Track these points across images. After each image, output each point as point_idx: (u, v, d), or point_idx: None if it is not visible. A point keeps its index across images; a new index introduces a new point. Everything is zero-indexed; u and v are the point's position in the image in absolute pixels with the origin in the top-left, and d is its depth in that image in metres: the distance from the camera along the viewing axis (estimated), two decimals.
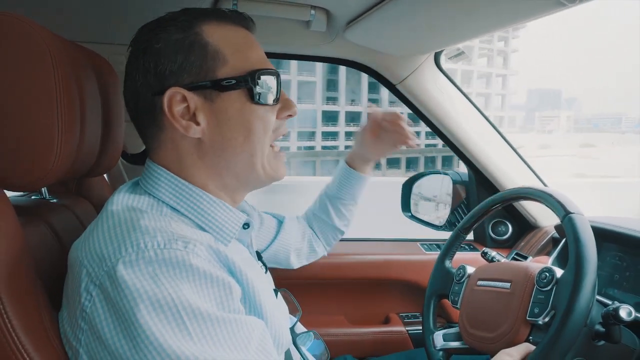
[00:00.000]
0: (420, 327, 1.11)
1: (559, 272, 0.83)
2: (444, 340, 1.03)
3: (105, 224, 0.59)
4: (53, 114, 0.60)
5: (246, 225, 0.73)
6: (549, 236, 1.39)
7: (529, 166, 1.47)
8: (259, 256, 0.82)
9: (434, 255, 1.32)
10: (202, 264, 0.56)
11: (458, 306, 1.03)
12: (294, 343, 0.81)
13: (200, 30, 0.65)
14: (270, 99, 0.68)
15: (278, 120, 0.71)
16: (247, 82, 0.65)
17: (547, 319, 0.81)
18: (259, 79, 0.66)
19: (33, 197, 0.89)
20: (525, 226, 1.53)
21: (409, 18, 1.03)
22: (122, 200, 0.63)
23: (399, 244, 1.62)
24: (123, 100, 0.71)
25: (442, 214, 1.61)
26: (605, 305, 0.84)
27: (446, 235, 1.20)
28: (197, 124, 0.65)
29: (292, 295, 0.90)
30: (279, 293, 0.83)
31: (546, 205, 0.92)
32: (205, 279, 0.55)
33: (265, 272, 0.82)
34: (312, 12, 1.08)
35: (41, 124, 0.59)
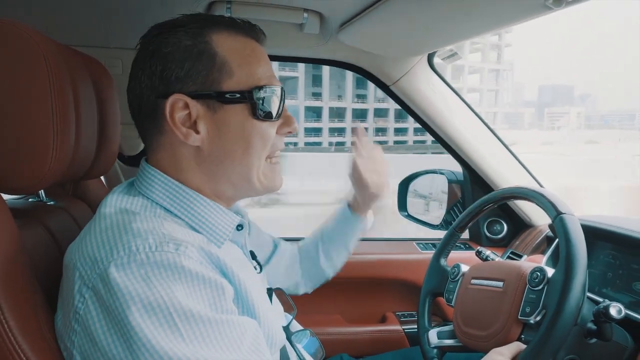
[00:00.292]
0: (416, 326, 1.12)
1: (550, 271, 0.84)
2: (439, 338, 1.04)
3: (98, 226, 0.60)
4: (48, 117, 0.60)
5: (240, 227, 0.74)
6: (544, 235, 1.40)
7: (523, 165, 1.48)
8: (253, 256, 0.83)
9: (430, 254, 1.32)
10: (193, 265, 0.56)
11: (452, 304, 1.04)
12: (289, 341, 0.82)
13: (210, 39, 0.65)
14: (273, 114, 0.68)
15: (277, 136, 0.71)
16: (251, 97, 0.66)
17: (538, 318, 0.81)
18: (263, 95, 0.66)
19: (30, 200, 0.90)
20: (520, 225, 1.53)
21: (402, 20, 1.04)
22: (115, 202, 0.64)
23: (395, 243, 1.63)
24: (118, 103, 0.71)
25: (437, 213, 1.62)
26: (597, 303, 0.85)
27: (441, 234, 1.21)
28: (197, 132, 0.65)
29: (286, 294, 0.91)
30: (273, 292, 0.84)
31: (538, 205, 0.93)
32: (197, 281, 0.56)
33: (260, 271, 0.82)
34: (305, 15, 1.08)
35: (37, 127, 0.60)
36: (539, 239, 1.40)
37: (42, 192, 0.89)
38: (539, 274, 0.85)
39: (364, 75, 1.40)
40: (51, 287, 0.65)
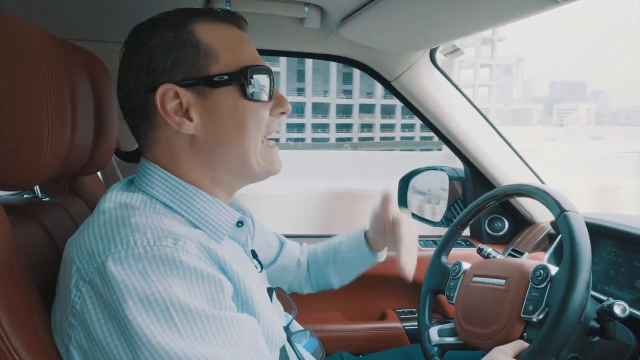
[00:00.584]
0: (417, 323, 1.11)
1: (553, 269, 0.83)
2: (439, 335, 1.03)
3: (97, 221, 0.59)
4: (43, 112, 0.59)
5: (240, 224, 0.73)
6: (545, 232, 1.39)
7: (525, 162, 1.47)
8: (254, 255, 0.82)
9: (430, 251, 1.32)
10: (192, 260, 0.56)
11: (453, 302, 1.03)
12: (289, 341, 0.81)
13: (192, 29, 0.65)
14: (264, 95, 0.68)
15: (271, 117, 0.71)
16: (239, 78, 0.65)
17: (541, 317, 0.81)
18: (252, 75, 0.66)
19: (25, 196, 0.89)
20: (521, 222, 1.53)
21: (403, 15, 1.03)
22: (114, 198, 0.64)
23: None
24: (116, 98, 0.71)
25: (438, 210, 1.61)
26: (601, 301, 0.84)
27: (442, 231, 1.20)
28: (190, 120, 0.65)
29: (287, 294, 0.90)
30: (274, 292, 0.83)
31: (541, 202, 0.92)
32: (196, 276, 0.56)
33: (261, 271, 0.81)
34: (306, 9, 1.07)
35: (31, 122, 0.59)
36: (541, 237, 1.40)
37: (37, 188, 0.88)
38: (542, 271, 0.84)
39: (366, 70, 1.39)
40: (46, 285, 0.64)
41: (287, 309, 0.89)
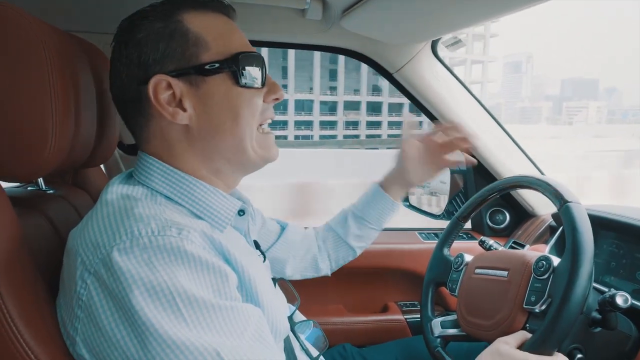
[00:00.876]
0: (419, 315, 1.11)
1: (555, 260, 0.83)
2: (442, 327, 1.03)
3: (100, 212, 0.59)
4: (47, 104, 0.59)
5: (241, 212, 0.73)
6: (546, 224, 1.39)
7: (526, 155, 1.47)
8: (256, 245, 0.82)
9: (432, 243, 1.32)
10: (196, 250, 0.56)
11: (456, 294, 1.04)
12: (293, 331, 0.81)
13: (181, 18, 0.65)
14: (256, 82, 0.68)
15: (265, 104, 0.71)
16: (230, 65, 0.65)
17: (543, 307, 0.81)
18: (243, 61, 0.66)
19: (29, 188, 0.89)
20: (522, 214, 1.53)
21: (405, 6, 1.02)
22: (116, 190, 0.64)
23: (397, 232, 1.62)
24: None
25: (440, 203, 1.61)
26: (602, 292, 0.84)
27: (444, 224, 1.20)
28: (184, 110, 0.65)
29: (290, 284, 0.90)
30: (277, 282, 0.84)
31: (543, 194, 0.92)
32: (201, 265, 0.56)
33: (264, 261, 0.82)
34: (308, 0, 1.07)
35: (35, 114, 0.59)
36: (542, 229, 1.40)
37: (41, 181, 0.88)
38: (544, 262, 0.84)
39: (367, 62, 1.39)
40: (51, 276, 0.64)
41: (290, 300, 0.89)
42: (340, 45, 1.35)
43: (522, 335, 0.80)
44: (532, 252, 0.92)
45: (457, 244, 1.23)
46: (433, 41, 1.32)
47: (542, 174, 1.46)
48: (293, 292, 0.89)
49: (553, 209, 0.88)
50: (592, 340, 0.85)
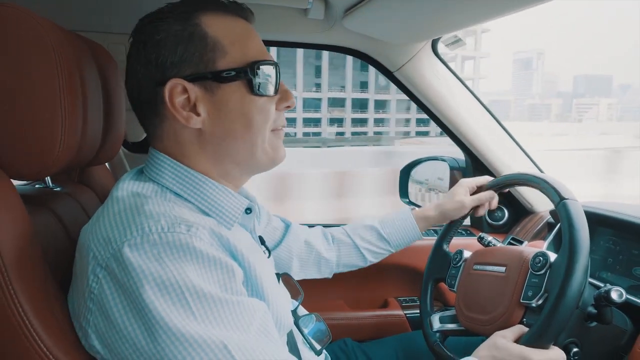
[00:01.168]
0: (418, 311, 1.13)
1: (552, 256, 0.85)
2: (441, 322, 1.05)
3: (112, 209, 0.61)
4: (56, 103, 0.61)
5: (248, 210, 0.75)
6: (544, 221, 1.40)
7: (525, 152, 1.48)
8: (262, 241, 0.84)
9: (432, 240, 1.34)
10: (204, 246, 0.58)
11: (455, 289, 1.05)
12: (296, 325, 0.83)
13: (199, 22, 0.66)
14: (270, 89, 0.69)
15: (276, 112, 0.72)
16: (246, 73, 0.66)
17: (540, 302, 0.83)
18: (259, 70, 0.67)
19: (37, 186, 0.90)
20: (521, 211, 1.54)
21: (406, 5, 1.03)
22: (127, 187, 0.65)
23: None
24: (124, 89, 0.72)
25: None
26: (598, 287, 0.86)
27: None
28: (198, 114, 0.66)
29: (293, 279, 0.92)
30: (280, 277, 0.85)
31: (541, 191, 0.93)
32: (209, 261, 0.57)
33: (269, 256, 0.83)
34: (310, 0, 1.08)
35: (45, 113, 0.60)
36: (540, 225, 1.41)
37: (48, 179, 0.89)
38: (541, 258, 0.86)
39: (368, 61, 1.40)
40: (60, 273, 0.66)
41: (294, 294, 0.91)
42: (342, 44, 1.36)
43: (519, 329, 0.82)
44: (530, 248, 0.94)
45: (456, 241, 1.24)
46: (433, 40, 1.33)
47: (540, 171, 1.48)
48: (297, 286, 0.91)
49: (551, 206, 0.90)
50: (587, 335, 0.87)
